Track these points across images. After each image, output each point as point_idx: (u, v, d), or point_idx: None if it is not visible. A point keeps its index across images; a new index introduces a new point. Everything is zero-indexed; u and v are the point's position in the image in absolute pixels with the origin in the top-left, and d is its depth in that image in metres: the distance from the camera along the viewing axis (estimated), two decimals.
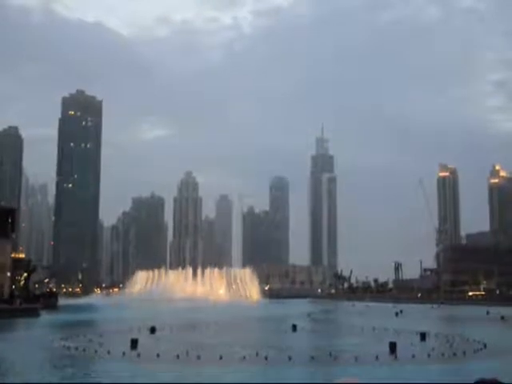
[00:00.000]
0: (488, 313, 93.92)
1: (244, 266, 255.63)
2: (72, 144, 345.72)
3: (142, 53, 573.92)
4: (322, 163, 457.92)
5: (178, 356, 31.83)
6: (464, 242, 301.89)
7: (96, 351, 34.75)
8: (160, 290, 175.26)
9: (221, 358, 31.12)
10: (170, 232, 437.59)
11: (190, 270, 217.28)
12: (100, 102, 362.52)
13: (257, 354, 32.04)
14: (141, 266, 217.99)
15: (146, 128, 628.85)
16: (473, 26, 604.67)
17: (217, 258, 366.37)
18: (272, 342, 43.50)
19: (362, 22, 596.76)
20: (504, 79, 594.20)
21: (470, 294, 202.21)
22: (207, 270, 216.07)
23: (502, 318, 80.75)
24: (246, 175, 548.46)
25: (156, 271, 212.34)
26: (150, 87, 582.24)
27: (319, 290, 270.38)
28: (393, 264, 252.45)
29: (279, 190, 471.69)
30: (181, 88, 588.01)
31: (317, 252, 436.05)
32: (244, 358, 31.24)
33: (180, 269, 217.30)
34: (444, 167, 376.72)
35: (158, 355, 32.05)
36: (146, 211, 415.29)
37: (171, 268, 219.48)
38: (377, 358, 31.19)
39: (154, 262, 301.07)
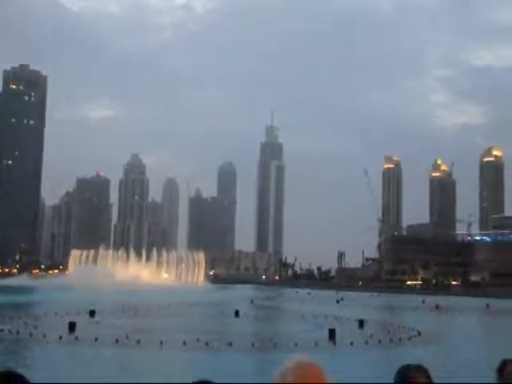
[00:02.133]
0: (424, 302, 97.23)
1: (190, 250, 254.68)
2: (13, 120, 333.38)
3: (92, 29, 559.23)
4: (271, 151, 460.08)
5: (117, 340, 31.41)
6: (405, 232, 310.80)
7: (31, 334, 33.78)
8: (99, 272, 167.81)
9: (161, 343, 30.91)
10: (114, 214, 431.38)
11: (132, 252, 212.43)
12: (45, 78, 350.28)
13: (198, 340, 31.98)
14: (82, 248, 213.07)
15: (94, 107, 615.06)
16: (422, 22, 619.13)
17: (162, 242, 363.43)
18: (214, 327, 43.58)
19: (315, 12, 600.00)
20: (449, 76, 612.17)
21: (408, 283, 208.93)
22: (151, 253, 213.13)
23: (437, 307, 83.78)
24: (195, 159, 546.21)
25: (94, 251, 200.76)
26: (99, 65, 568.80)
27: (263, 277, 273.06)
28: (337, 253, 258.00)
29: (227, 176, 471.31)
30: (131, 67, 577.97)
31: (262, 239, 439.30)
32: (184, 343, 31.13)
33: (123, 250, 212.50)
34: (389, 159, 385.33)
35: (96, 339, 31.51)
36: (90, 192, 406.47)
37: (115, 250, 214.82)
38: (316, 344, 31.73)
39: (97, 243, 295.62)
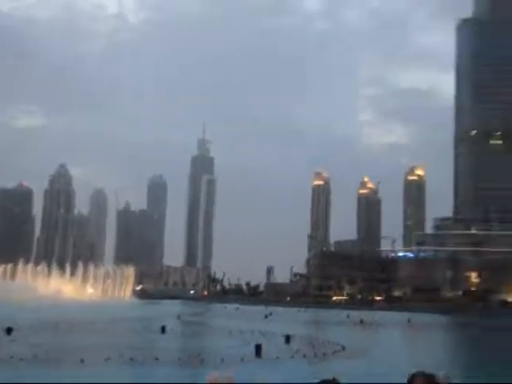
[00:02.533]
0: (348, 316, 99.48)
1: (117, 264, 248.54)
2: None
3: (20, 33, 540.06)
4: (203, 164, 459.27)
5: (35, 357, 30.18)
6: (333, 248, 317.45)
7: None
8: (18, 287, 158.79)
9: (82, 361, 29.90)
10: (38, 226, 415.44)
11: (56, 266, 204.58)
12: None
13: (121, 355, 31.22)
14: (2, 261, 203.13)
15: (19, 115, 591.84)
16: (353, 40, 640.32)
17: (89, 255, 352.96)
18: (139, 343, 42.71)
19: (250, 26, 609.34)
20: (377, 95, 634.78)
21: (335, 298, 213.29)
22: (77, 267, 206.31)
23: (361, 321, 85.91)
24: (125, 171, 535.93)
25: (13, 265, 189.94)
26: (26, 71, 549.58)
27: (192, 292, 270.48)
28: (266, 267, 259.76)
29: (157, 188, 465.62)
30: (60, 75, 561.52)
31: (192, 253, 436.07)
32: (107, 359, 30.31)
33: (46, 264, 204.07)
34: (319, 175, 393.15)
35: (11, 357, 30.08)
36: (11, 202, 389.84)
37: (37, 264, 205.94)
38: (242, 359, 31.78)
39: (18, 256, 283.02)
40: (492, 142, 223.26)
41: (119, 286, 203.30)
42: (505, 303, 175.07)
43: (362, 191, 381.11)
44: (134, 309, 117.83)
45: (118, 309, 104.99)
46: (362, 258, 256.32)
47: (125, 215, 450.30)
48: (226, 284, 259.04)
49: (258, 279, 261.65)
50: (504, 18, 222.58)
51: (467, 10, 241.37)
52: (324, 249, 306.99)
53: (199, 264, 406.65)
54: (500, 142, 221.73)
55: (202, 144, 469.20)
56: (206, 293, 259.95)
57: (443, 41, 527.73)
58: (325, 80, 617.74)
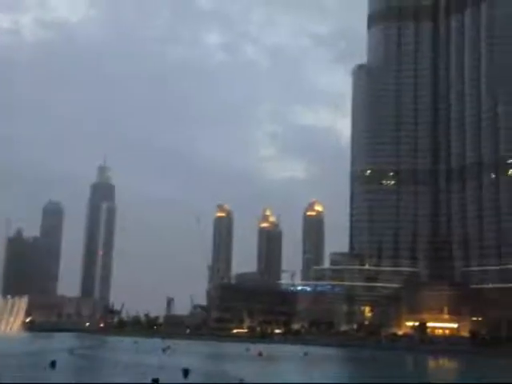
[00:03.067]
0: (248, 349, 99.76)
1: (5, 295, 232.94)
2: None
3: None
4: (103, 192, 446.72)
5: None
6: (234, 281, 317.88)
7: None
8: None
9: None
10: None
11: None
12: None
13: None
14: None
15: None
16: (256, 78, 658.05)
17: None
18: (25, 380, 40.27)
19: (150, 55, 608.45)
20: (278, 131, 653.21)
21: (235, 331, 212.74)
22: None
23: (260, 354, 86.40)
24: (19, 197, 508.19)
25: None
26: None
27: (88, 324, 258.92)
28: (166, 299, 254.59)
29: (53, 216, 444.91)
30: None
31: (89, 284, 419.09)
32: None
33: None
34: (221, 208, 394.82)
35: None
36: None
37: None
38: None
39: None
40: (385, 181, 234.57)
41: (7, 318, 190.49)
42: (394, 336, 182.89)
43: (263, 224, 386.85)
44: (22, 343, 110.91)
45: (5, 343, 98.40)
46: (262, 291, 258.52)
47: (16, 243, 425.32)
48: (124, 316, 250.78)
49: (158, 311, 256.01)
50: (395, 65, 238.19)
51: (363, 57, 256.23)
52: (225, 281, 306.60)
53: (96, 295, 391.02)
54: (392, 181, 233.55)
55: (103, 171, 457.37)
56: (102, 325, 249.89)
57: (342, 82, 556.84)
58: (228, 114, 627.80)
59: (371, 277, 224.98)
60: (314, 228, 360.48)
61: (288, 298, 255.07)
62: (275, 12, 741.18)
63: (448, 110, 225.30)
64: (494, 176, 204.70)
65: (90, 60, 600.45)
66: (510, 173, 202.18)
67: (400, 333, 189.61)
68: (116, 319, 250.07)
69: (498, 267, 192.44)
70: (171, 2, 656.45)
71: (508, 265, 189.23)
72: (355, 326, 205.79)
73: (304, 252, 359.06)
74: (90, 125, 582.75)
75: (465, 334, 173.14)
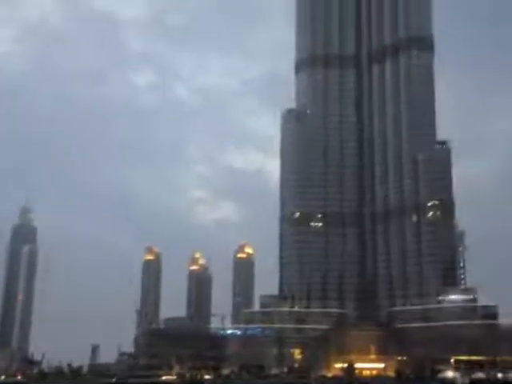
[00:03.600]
0: None
1: None
2: None
3: None
4: (24, 234, 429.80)
5: None
6: (162, 325, 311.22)
7: None
8: None
9: None
10: None
11: None
12: None
13: None
14: None
15: None
16: (186, 119, 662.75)
17: None
18: None
19: (79, 93, 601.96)
20: (209, 173, 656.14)
21: (164, 378, 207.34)
22: None
23: None
24: None
25: None
26: None
27: (3, 377, 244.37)
28: (90, 347, 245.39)
29: None
30: None
31: (6, 332, 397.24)
32: None
33: None
34: (150, 250, 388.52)
35: None
36: None
37: None
38: None
39: None
40: (313, 223, 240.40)
41: None
42: (323, 378, 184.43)
43: (192, 267, 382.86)
44: None
45: None
46: (192, 336, 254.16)
47: None
48: (45, 367, 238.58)
49: (83, 359, 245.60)
50: (322, 111, 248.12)
51: (292, 101, 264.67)
52: (153, 326, 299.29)
53: (14, 345, 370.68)
54: (320, 224, 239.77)
55: (25, 213, 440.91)
56: (19, 377, 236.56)
57: (271, 125, 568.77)
58: (159, 155, 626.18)
59: (301, 319, 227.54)
60: (244, 271, 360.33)
61: (218, 342, 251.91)
62: (206, 54, 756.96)
63: (372, 155, 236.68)
64: (415, 218, 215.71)
65: (13, 95, 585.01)
66: (430, 215, 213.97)
67: (329, 375, 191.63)
68: (36, 370, 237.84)
69: (420, 307, 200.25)
70: (101, 40, 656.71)
71: (429, 304, 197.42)
72: (285, 369, 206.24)
73: (234, 295, 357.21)
74: (12, 163, 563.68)
75: (391, 373, 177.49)
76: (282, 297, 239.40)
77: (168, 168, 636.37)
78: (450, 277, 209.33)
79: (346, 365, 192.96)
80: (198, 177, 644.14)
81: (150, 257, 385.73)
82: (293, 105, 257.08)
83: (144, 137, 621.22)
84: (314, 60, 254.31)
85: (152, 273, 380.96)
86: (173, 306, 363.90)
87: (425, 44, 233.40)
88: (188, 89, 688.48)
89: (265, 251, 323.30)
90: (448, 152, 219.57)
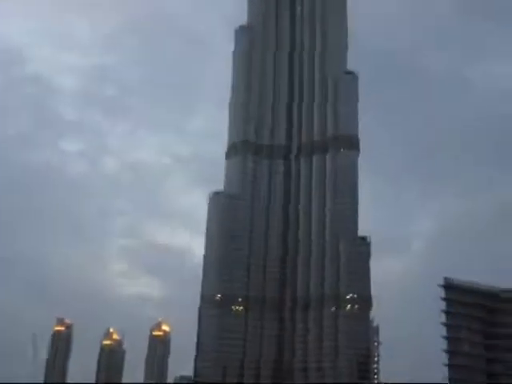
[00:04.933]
0: None
1: None
2: None
3: None
4: None
5: None
6: None
7: None
8: None
9: None
10: None
11: None
12: None
13: None
14: None
15: None
16: (113, 189, 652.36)
17: None
18: None
19: (14, 159, 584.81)
20: (131, 246, 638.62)
21: None
22: None
23: None
24: None
25: None
26: None
27: None
28: None
29: None
30: None
31: None
32: None
33: None
34: (61, 321, 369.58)
35: None
36: None
37: None
38: None
39: None
40: (234, 307, 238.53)
41: None
42: None
43: (106, 342, 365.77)
44: None
45: None
46: None
47: None
48: None
49: None
50: (250, 197, 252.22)
51: (221, 183, 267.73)
52: None
53: None
54: (241, 307, 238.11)
55: None
56: None
57: (199, 205, 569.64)
58: (82, 225, 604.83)
59: None
60: (159, 348, 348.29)
61: None
62: (139, 128, 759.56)
63: (297, 244, 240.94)
64: (333, 310, 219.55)
65: None
66: (347, 308, 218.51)
67: None
68: None
69: None
70: (33, 106, 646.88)
71: None
72: None
73: (146, 374, 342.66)
74: None
75: None
76: (196, 379, 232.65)
77: (92, 239, 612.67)
78: (364, 370, 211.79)
79: None
80: (122, 249, 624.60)
81: (60, 328, 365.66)
82: (221, 187, 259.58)
83: (70, 206, 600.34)
84: (244, 147, 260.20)
85: (61, 345, 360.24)
86: (82, 379, 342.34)
87: (351, 143, 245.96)
88: (118, 160, 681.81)
89: (183, 330, 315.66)
90: (368, 247, 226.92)
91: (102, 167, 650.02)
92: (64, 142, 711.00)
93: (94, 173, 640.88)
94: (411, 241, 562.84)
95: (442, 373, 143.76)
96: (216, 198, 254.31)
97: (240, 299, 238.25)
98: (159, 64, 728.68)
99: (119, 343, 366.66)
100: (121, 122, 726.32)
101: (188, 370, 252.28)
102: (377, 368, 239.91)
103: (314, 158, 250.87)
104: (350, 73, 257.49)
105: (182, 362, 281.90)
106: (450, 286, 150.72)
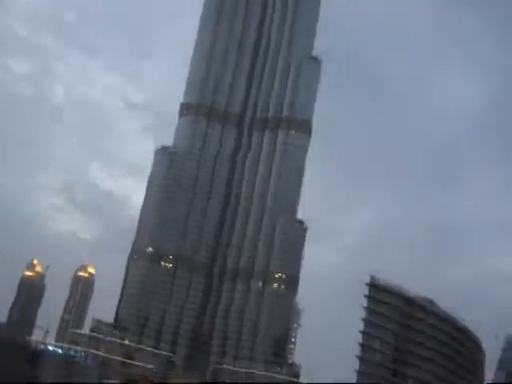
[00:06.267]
0: None
1: None
2: None
3: None
4: None
5: None
6: None
7: None
8: None
9: None
10: None
11: None
12: None
13: None
14: None
15: None
16: (59, 122, 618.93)
17: None
18: None
19: None
20: (72, 184, 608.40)
21: None
22: None
23: None
24: None
25: None
26: None
27: None
28: None
29: None
30: None
31: None
32: None
33: None
34: None
35: None
36: None
37: None
38: None
39: None
40: (163, 263, 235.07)
41: None
42: None
43: (27, 272, 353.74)
44: None
45: None
46: (7, 346, 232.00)
47: None
48: None
49: None
50: (197, 157, 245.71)
51: (170, 139, 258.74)
52: None
53: None
54: (171, 265, 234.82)
55: None
56: None
57: (146, 156, 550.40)
58: (19, 150, 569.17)
59: (129, 353, 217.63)
60: (81, 290, 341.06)
61: (35, 356, 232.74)
62: (92, 62, 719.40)
63: (236, 214, 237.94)
64: (261, 285, 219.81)
65: None
66: (274, 286, 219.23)
67: None
68: None
69: (244, 370, 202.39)
70: None
71: (255, 371, 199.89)
72: None
73: (65, 311, 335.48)
74: None
75: None
76: (115, 326, 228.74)
77: (30, 168, 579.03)
78: (281, 349, 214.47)
79: None
80: (60, 184, 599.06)
81: None
82: (170, 142, 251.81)
83: (11, 128, 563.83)
84: (199, 108, 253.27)
85: None
86: None
87: (303, 127, 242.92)
88: (67, 91, 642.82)
89: (109, 277, 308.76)
90: (304, 231, 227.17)
91: (48, 95, 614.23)
92: (12, 61, 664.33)
93: (40, 99, 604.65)
94: (348, 233, 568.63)
95: (353, 365, 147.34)
96: (163, 153, 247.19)
97: (171, 257, 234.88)
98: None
99: (41, 277, 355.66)
100: (75, 51, 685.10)
101: (108, 317, 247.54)
102: (293, 349, 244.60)
103: (266, 134, 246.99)
104: (314, 58, 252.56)
105: (103, 308, 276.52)
106: (374, 285, 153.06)
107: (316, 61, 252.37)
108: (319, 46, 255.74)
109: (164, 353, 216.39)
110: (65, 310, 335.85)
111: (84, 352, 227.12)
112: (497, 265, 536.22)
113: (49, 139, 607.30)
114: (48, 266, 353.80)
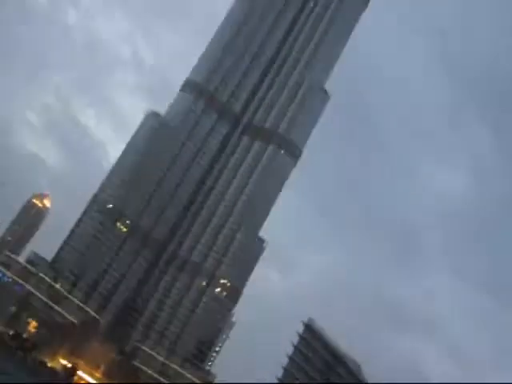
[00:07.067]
0: None
1: None
2: None
3: None
4: None
5: None
6: None
7: None
8: None
9: None
10: None
11: None
12: None
13: None
14: None
15: None
16: (60, 42, 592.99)
17: None
18: None
19: None
20: (50, 106, 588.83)
21: None
22: None
23: None
24: None
25: None
26: None
27: None
28: None
29: None
30: None
31: None
32: None
33: None
34: None
35: None
36: None
37: None
38: None
39: None
40: (118, 224, 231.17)
41: None
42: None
43: None
44: None
45: None
46: None
47: None
48: None
49: None
50: (184, 139, 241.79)
51: (164, 107, 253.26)
52: None
53: None
54: (125, 229, 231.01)
55: None
56: None
57: (136, 114, 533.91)
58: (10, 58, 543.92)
59: (56, 299, 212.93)
60: (30, 218, 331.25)
61: None
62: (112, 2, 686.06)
63: (201, 210, 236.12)
64: (204, 284, 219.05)
65: None
66: (217, 290, 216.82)
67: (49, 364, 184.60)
68: None
69: (161, 359, 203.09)
70: None
71: (170, 362, 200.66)
72: (11, 332, 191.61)
73: (7, 232, 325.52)
74: None
75: None
76: (51, 266, 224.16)
77: (29, 77, 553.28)
78: (203, 353, 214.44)
79: (70, 365, 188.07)
80: (41, 106, 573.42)
81: None
82: (163, 111, 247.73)
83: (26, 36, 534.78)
84: (201, 90, 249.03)
85: None
86: None
87: (293, 151, 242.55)
88: (80, 23, 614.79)
89: (61, 214, 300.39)
90: (261, 250, 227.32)
91: (64, 20, 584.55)
92: None
93: (55, 21, 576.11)
94: (304, 269, 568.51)
95: None
96: (152, 119, 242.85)
97: (128, 222, 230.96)
98: None
99: None
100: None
101: (48, 255, 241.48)
102: (214, 358, 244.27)
103: (256, 143, 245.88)
104: (324, 91, 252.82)
105: (46, 244, 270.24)
106: (310, 328, 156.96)
107: (326, 94, 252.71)
108: (330, 82, 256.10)
109: (92, 313, 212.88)
110: (7, 231, 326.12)
111: (12, 279, 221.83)
112: None
113: (44, 62, 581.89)
114: (3, 184, 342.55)
